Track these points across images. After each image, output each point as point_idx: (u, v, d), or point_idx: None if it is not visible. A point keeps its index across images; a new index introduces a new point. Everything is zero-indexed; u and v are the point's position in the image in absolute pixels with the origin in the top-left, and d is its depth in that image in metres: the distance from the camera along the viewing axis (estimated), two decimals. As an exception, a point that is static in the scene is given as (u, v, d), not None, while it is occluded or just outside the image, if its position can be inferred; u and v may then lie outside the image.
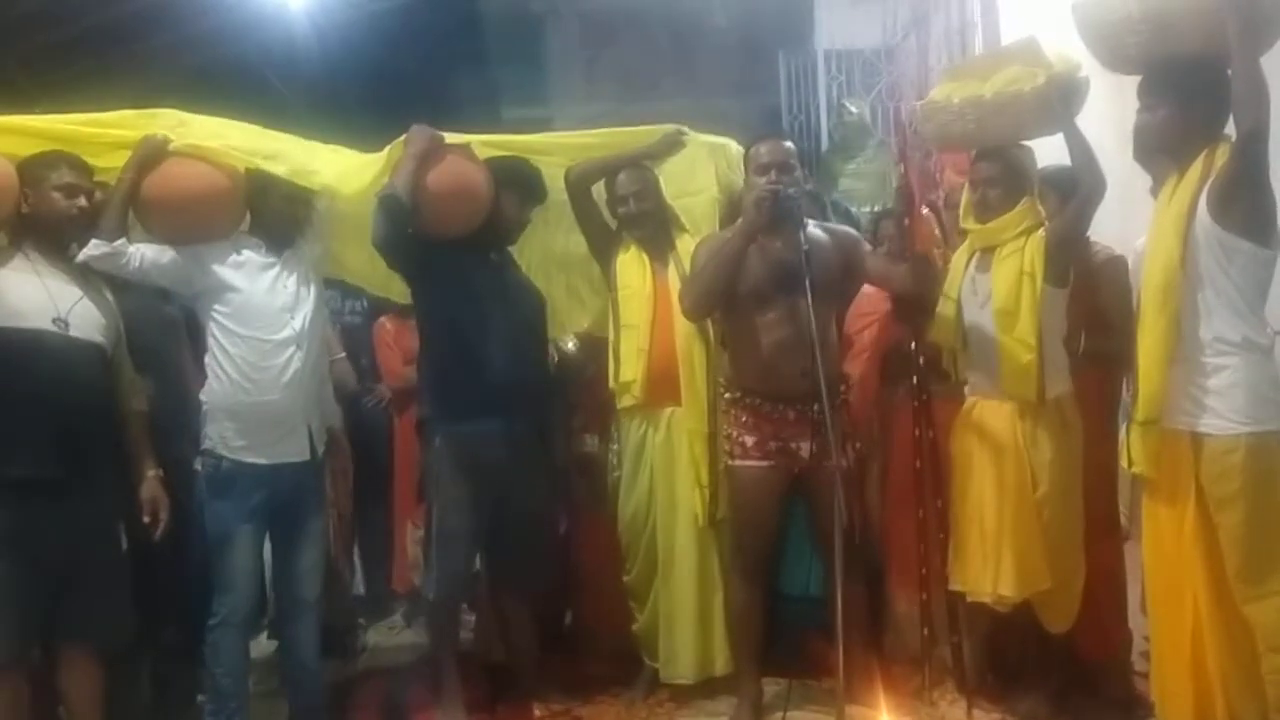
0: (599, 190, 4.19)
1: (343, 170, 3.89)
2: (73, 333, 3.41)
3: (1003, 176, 3.61)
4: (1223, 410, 3.03)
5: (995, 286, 3.58)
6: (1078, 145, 3.43)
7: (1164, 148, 3.19)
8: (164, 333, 3.98)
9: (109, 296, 3.59)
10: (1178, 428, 3.09)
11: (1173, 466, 3.11)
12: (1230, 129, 3.03)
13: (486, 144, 4.09)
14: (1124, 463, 3.27)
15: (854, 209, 6.19)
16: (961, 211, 3.77)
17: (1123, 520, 4.00)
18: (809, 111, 9.20)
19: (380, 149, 3.94)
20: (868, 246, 4.02)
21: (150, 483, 3.57)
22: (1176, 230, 3.05)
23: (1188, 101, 3.10)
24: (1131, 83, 3.30)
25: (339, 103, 10.17)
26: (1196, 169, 3.06)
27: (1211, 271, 3.03)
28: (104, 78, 9.46)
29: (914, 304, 3.86)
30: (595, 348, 4.33)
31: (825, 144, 8.64)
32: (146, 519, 3.54)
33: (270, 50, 10.01)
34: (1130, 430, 3.19)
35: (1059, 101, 3.44)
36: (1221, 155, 3.04)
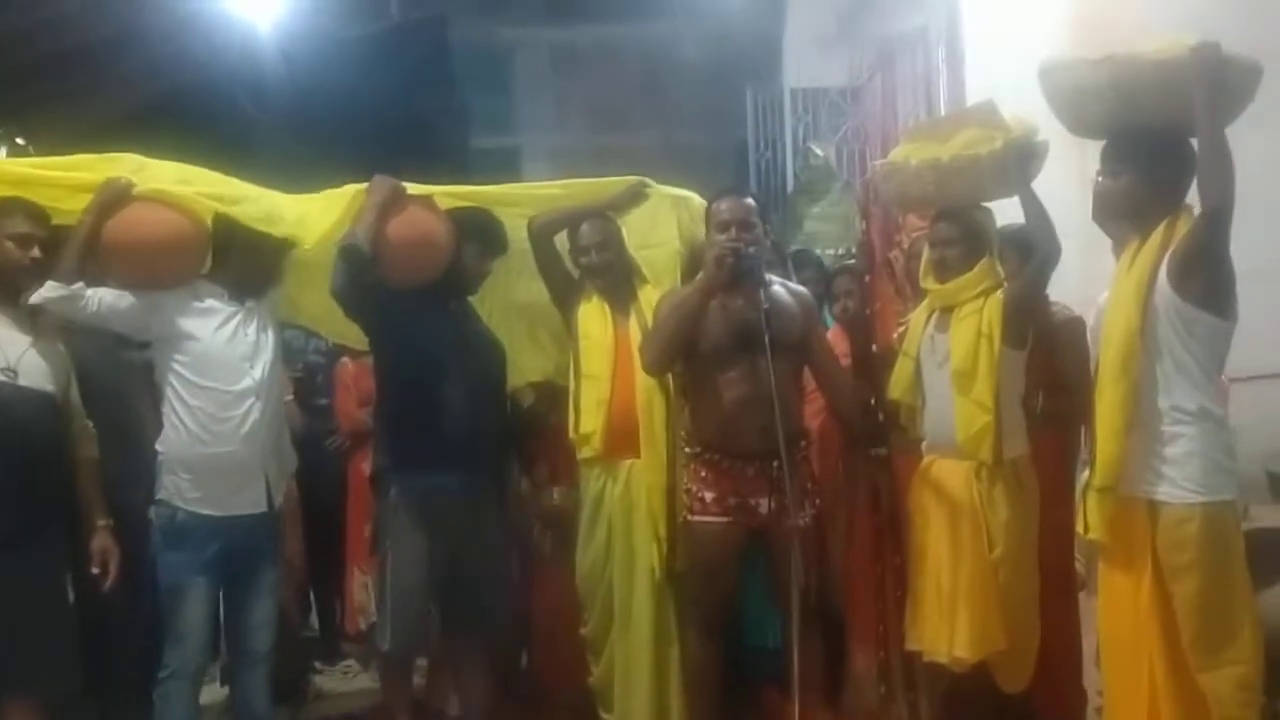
0: (562, 240, 4.19)
1: (304, 217, 3.87)
2: (21, 381, 3.38)
3: (961, 237, 3.63)
4: (1179, 479, 3.04)
5: (953, 347, 3.60)
6: (1034, 209, 3.46)
7: (1125, 214, 3.21)
8: (121, 379, 3.94)
9: (59, 345, 3.55)
10: (1134, 495, 3.10)
11: (1128, 533, 3.12)
12: (1191, 197, 3.05)
13: (449, 195, 4.08)
14: (1080, 528, 3.27)
15: (819, 251, 6.22)
16: (921, 270, 3.80)
17: (1079, 569, 4.03)
18: (775, 148, 9.26)
19: (348, 178, 3.92)
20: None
21: (100, 533, 3.53)
22: (1136, 298, 3.07)
23: (1151, 170, 3.12)
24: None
25: (308, 130, 10.17)
26: (1157, 237, 3.08)
27: (1170, 341, 3.05)
28: (70, 102, 9.42)
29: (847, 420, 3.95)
30: (557, 398, 4.32)
31: (791, 182, 8.69)
32: (96, 570, 3.50)
33: (240, 77, 9.99)
34: (1087, 495, 3.21)
35: (1016, 165, 3.48)
36: (1183, 225, 3.06)
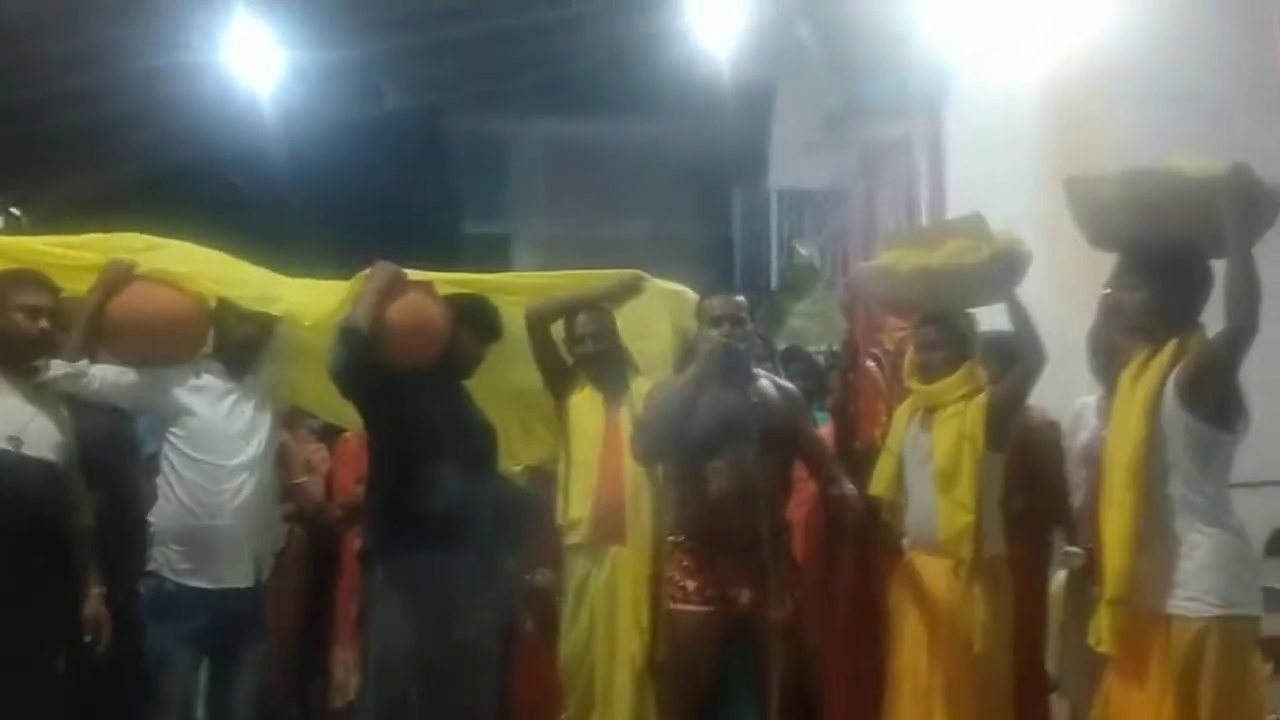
0: (557, 329, 4.29)
1: (305, 299, 3.97)
2: (26, 450, 3.43)
3: (945, 341, 3.74)
4: (1194, 592, 2.97)
5: (936, 447, 3.69)
6: (1019, 316, 3.58)
7: (1140, 327, 3.20)
8: (120, 451, 3.99)
9: (64, 412, 3.61)
10: (1149, 609, 3.03)
11: (1142, 649, 3.04)
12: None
13: (448, 282, 4.18)
14: (1091, 641, 3.16)
15: (806, 348, 6.34)
16: (905, 371, 3.90)
17: (1050, 670, 4.07)
18: (760, 246, 9.45)
19: (340, 259, 4.02)
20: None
21: (93, 600, 3.56)
22: (1144, 411, 3.05)
23: (1170, 285, 3.11)
24: (1068, 231, 3.38)
25: (301, 211, 10.31)
26: (1168, 353, 3.07)
27: (1178, 455, 3.02)
28: (65, 175, 9.52)
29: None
30: (546, 483, 4.38)
31: (775, 279, 8.86)
32: (89, 638, 3.52)
33: (233, 157, 10.13)
34: (1100, 608, 3.11)
35: (1001, 274, 3.60)
36: (1196, 343, 3.05)
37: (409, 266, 4.07)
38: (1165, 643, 2.99)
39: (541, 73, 10.96)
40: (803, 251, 7.71)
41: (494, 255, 10.66)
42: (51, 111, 8.79)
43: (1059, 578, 3.98)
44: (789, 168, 9.16)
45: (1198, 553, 3.00)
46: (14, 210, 10.29)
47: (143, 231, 3.91)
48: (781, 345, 6.29)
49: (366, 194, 10.71)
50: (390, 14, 9.20)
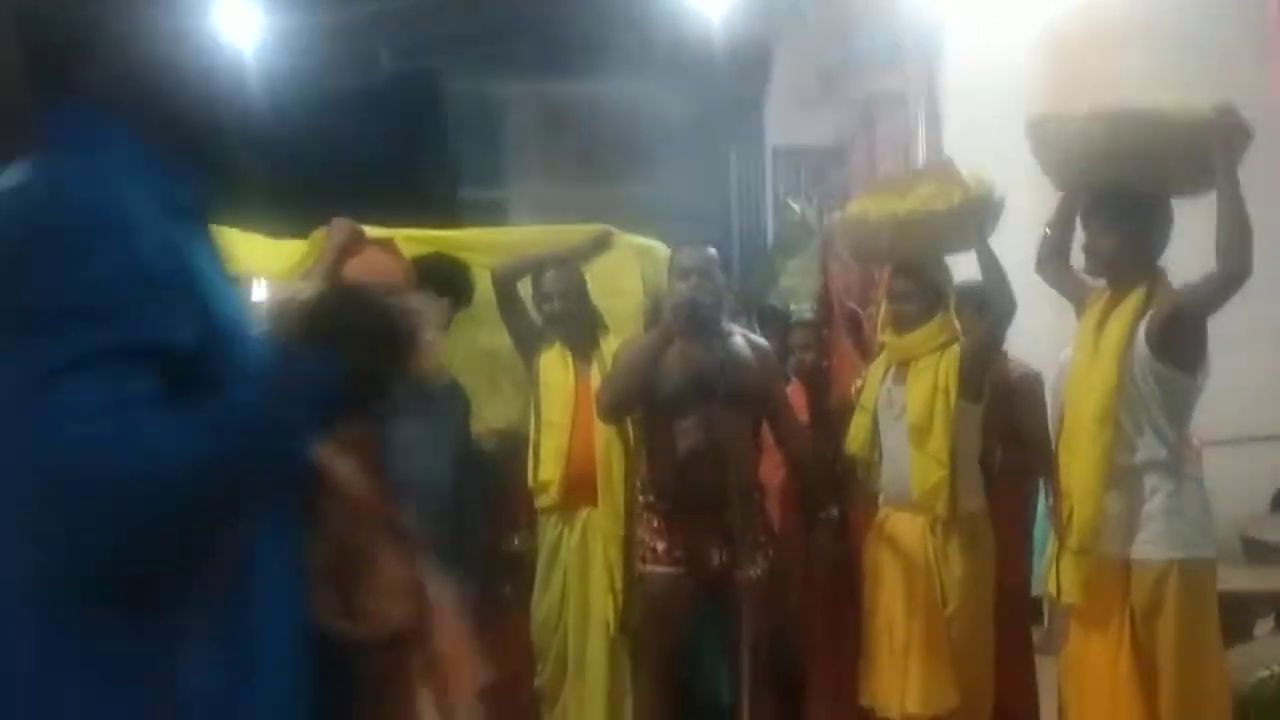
0: (525, 287, 4.19)
1: (263, 257, 3.88)
2: None
3: (918, 292, 3.64)
4: (1156, 536, 3.01)
5: (910, 401, 3.60)
6: (990, 265, 3.47)
7: (1109, 271, 3.18)
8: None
9: None
10: (1109, 555, 3.06)
11: (1103, 595, 3.07)
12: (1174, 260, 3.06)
13: (411, 239, 4.08)
14: (1051, 589, 3.21)
15: (794, 305, 6.22)
16: (879, 324, 3.80)
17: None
18: (757, 205, 9.32)
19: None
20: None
21: None
22: (1116, 359, 3.03)
23: (1141, 229, 3.11)
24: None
25: (297, 177, 10.18)
26: (1137, 299, 3.05)
27: (1145, 400, 3.04)
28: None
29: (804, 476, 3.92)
30: (518, 445, 4.29)
31: (771, 238, 8.75)
32: None
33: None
34: (1060, 558, 3.13)
35: (972, 221, 3.49)
36: (1163, 289, 3.05)
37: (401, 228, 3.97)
38: (1124, 588, 3.02)
39: (537, 35, 10.83)
40: (796, 208, 7.57)
41: (491, 219, 10.54)
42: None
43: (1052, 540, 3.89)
44: (786, 125, 9.01)
45: (1158, 496, 3.01)
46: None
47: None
48: (773, 304, 6.18)
49: (361, 158, 10.58)
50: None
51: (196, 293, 1.38)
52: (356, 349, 1.44)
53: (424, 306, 1.69)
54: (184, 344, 1.33)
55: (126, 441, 1.25)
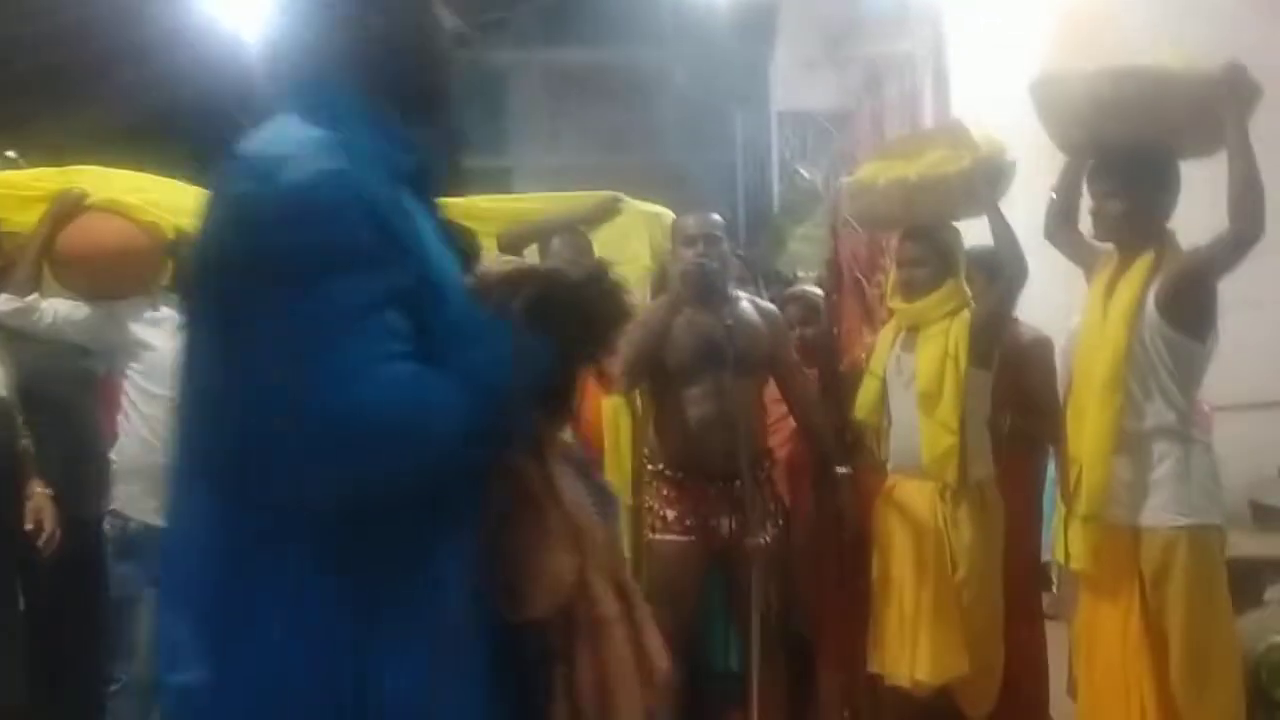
0: (532, 254, 4.15)
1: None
2: None
3: (928, 257, 3.59)
4: (1164, 503, 2.99)
5: (919, 367, 3.56)
6: (1001, 229, 3.43)
7: (1120, 235, 3.14)
8: (78, 387, 3.90)
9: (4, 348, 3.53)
10: (1118, 521, 3.04)
11: (1113, 562, 3.05)
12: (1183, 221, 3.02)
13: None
14: (1059, 556, 3.20)
15: (802, 272, 6.19)
16: (889, 290, 3.76)
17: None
18: (763, 170, 9.26)
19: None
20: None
21: (38, 497, 3.51)
22: (1125, 324, 3.01)
23: (1150, 192, 3.07)
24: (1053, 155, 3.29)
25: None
26: (1146, 263, 3.02)
27: (1154, 365, 3.01)
28: (62, 116, 9.41)
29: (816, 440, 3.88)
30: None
31: (777, 204, 8.70)
32: (30, 527, 3.47)
33: (228, 93, 9.97)
34: (1068, 524, 3.13)
35: (984, 185, 3.44)
36: (1173, 253, 3.01)
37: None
38: (1134, 554, 3.01)
39: (541, 2, 10.76)
40: (804, 174, 7.52)
41: (497, 187, 10.51)
42: (43, 51, 8.67)
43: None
44: (792, 89, 8.96)
45: (1167, 462, 2.99)
46: (9, 153, 10.23)
47: (144, 170, 3.80)
48: (782, 270, 6.14)
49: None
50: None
51: (414, 250, 1.48)
52: (571, 330, 1.56)
53: (626, 284, 1.73)
54: (413, 296, 1.45)
55: (406, 390, 1.38)
